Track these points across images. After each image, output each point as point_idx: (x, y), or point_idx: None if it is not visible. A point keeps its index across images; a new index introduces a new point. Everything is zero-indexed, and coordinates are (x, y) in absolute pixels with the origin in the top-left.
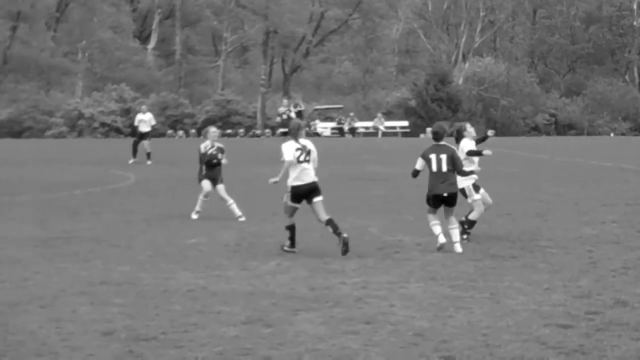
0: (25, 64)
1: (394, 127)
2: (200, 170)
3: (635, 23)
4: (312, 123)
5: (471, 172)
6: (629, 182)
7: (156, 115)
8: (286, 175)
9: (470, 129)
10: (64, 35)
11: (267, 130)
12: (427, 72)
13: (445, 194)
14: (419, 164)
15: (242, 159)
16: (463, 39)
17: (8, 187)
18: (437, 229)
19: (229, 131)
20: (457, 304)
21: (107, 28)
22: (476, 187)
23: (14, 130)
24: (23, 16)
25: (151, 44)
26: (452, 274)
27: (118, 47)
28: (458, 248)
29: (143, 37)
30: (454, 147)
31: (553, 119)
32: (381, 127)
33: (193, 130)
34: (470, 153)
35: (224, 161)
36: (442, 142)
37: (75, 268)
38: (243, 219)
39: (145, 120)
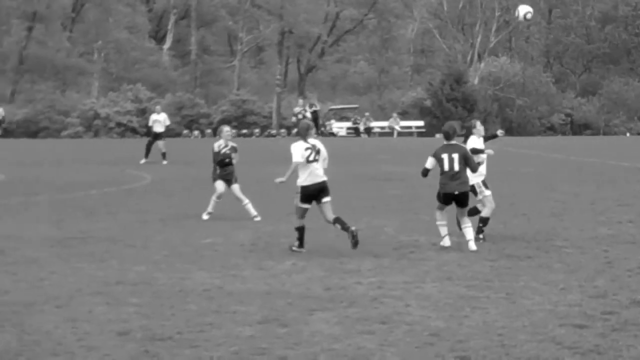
0: (41, 65)
1: (410, 127)
2: (214, 169)
3: None
4: (327, 123)
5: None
6: None
7: (172, 116)
8: (295, 176)
9: (479, 127)
10: (80, 36)
11: (283, 130)
12: (443, 72)
13: (456, 192)
14: (430, 162)
15: (257, 159)
16: (478, 39)
17: (24, 187)
18: (443, 230)
19: (244, 131)
20: (472, 304)
21: (123, 28)
22: (485, 185)
23: (30, 130)
24: (39, 17)
25: (167, 44)
26: (468, 274)
27: (134, 47)
28: (472, 246)
29: (159, 38)
30: (465, 147)
31: (569, 118)
32: (397, 127)
33: (209, 130)
34: (473, 151)
35: (234, 160)
36: (453, 142)
37: (91, 268)
38: (259, 218)
39: (159, 121)
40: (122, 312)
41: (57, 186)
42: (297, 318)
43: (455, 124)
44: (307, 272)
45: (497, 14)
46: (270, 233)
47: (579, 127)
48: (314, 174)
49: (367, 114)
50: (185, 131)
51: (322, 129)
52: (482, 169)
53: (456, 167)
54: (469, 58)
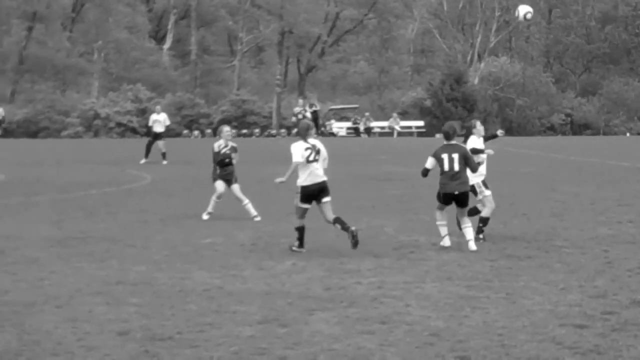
0: (41, 65)
1: (410, 127)
2: (214, 169)
3: None
4: (327, 123)
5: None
6: None
7: (172, 116)
8: (295, 176)
9: (479, 127)
10: (80, 36)
11: (283, 130)
12: (443, 72)
13: (456, 192)
14: (430, 162)
15: (257, 159)
16: (478, 39)
17: (24, 187)
18: (443, 230)
19: (244, 131)
20: (473, 304)
21: (123, 28)
22: (485, 185)
23: (30, 130)
24: (39, 17)
25: (167, 44)
26: (468, 274)
27: (134, 47)
28: (472, 246)
29: (159, 38)
30: (465, 147)
31: (569, 118)
32: (397, 127)
33: (209, 130)
34: (473, 151)
35: (234, 160)
36: (453, 142)
37: (91, 268)
38: (259, 218)
39: (159, 121)
40: (122, 312)
41: (57, 186)
42: (297, 318)
43: (455, 124)
44: (307, 272)
45: (497, 14)
46: (271, 233)
47: (579, 127)
48: (314, 174)
49: (367, 114)
50: (185, 131)
51: (322, 129)
52: (482, 169)
53: (456, 167)
54: (469, 58)
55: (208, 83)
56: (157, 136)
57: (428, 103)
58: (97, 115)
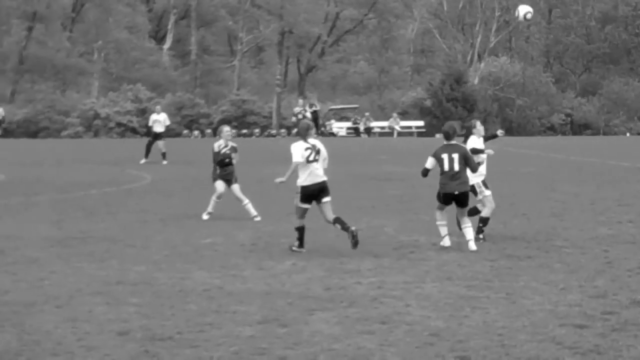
0: (41, 65)
1: (410, 127)
2: (214, 169)
3: None
4: (327, 123)
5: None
6: None
7: (172, 116)
8: (295, 176)
9: (479, 127)
10: (80, 36)
11: (283, 130)
12: (443, 72)
13: (456, 192)
14: (430, 162)
15: (257, 159)
16: (478, 39)
17: (24, 187)
18: (443, 230)
19: (244, 131)
20: (472, 304)
21: (123, 28)
22: (485, 185)
23: (30, 130)
24: (39, 17)
25: (167, 44)
26: (468, 274)
27: (134, 47)
28: (472, 246)
29: (159, 38)
30: (465, 147)
31: (569, 118)
32: (397, 127)
33: (209, 130)
34: (473, 151)
35: (234, 160)
36: (453, 142)
37: (91, 268)
38: (259, 218)
39: (159, 121)
40: (122, 312)
41: (57, 186)
42: (297, 318)
43: (455, 124)
44: (307, 272)
45: (497, 14)
46: (271, 233)
47: (579, 127)
48: (314, 174)
49: (367, 114)
50: (185, 131)
51: (322, 129)
52: (482, 169)
53: (456, 167)
54: (469, 58)
55: (208, 83)
56: (157, 136)
57: (428, 103)
58: (97, 115)
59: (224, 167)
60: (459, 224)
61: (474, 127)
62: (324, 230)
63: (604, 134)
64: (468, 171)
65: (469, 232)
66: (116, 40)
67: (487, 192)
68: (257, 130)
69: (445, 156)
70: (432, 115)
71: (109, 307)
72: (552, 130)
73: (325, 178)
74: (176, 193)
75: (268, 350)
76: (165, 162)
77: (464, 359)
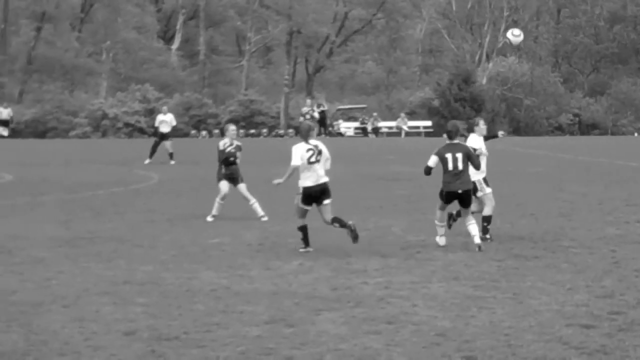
0: (49, 65)
1: (417, 127)
2: (220, 168)
3: None
4: (335, 123)
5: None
6: None
7: (180, 116)
8: (294, 176)
9: (482, 126)
10: (89, 36)
11: (291, 130)
12: (451, 72)
13: (460, 191)
14: (432, 161)
15: (265, 159)
16: (487, 39)
17: (32, 187)
18: (440, 230)
19: (252, 131)
20: (479, 304)
21: (132, 28)
22: (486, 182)
23: (38, 130)
24: (48, 17)
25: (175, 44)
26: (475, 274)
27: (142, 47)
28: (477, 239)
29: (167, 38)
30: (468, 145)
31: (577, 118)
32: (404, 127)
33: (216, 131)
34: None
35: (238, 160)
36: (456, 141)
37: (98, 268)
38: (266, 218)
39: (166, 121)
40: (129, 311)
41: (65, 186)
42: (304, 318)
43: (459, 123)
44: (314, 272)
45: (505, 13)
46: (278, 233)
47: (586, 127)
48: (316, 175)
49: (375, 114)
50: (193, 131)
51: (330, 129)
52: (483, 166)
53: (460, 166)
54: (477, 58)
55: (216, 83)
56: (164, 137)
57: (436, 103)
58: (105, 116)
59: (228, 165)
60: (450, 218)
61: (477, 124)
62: (331, 230)
63: (612, 134)
64: (471, 169)
65: (474, 228)
66: (124, 41)
67: (488, 190)
68: (264, 131)
69: (449, 155)
70: (440, 115)
71: (116, 307)
72: (560, 130)
73: (326, 179)
74: (184, 193)
75: (275, 350)
76: (172, 162)
77: (470, 359)
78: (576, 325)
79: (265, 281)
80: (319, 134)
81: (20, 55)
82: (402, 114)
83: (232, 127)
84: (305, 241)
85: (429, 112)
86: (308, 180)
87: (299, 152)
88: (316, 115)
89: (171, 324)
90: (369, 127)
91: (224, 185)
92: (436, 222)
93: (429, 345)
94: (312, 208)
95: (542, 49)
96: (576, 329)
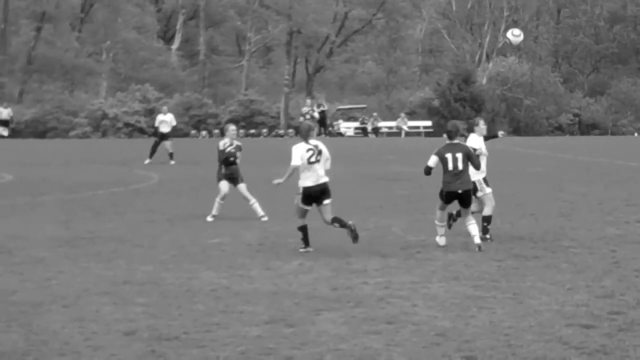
0: (49, 65)
1: (417, 127)
2: (219, 168)
3: None
4: (335, 123)
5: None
6: None
7: (180, 116)
8: (294, 176)
9: (482, 126)
10: (89, 36)
11: (291, 130)
12: (451, 72)
13: (460, 191)
14: (432, 161)
15: (265, 159)
16: (487, 39)
17: (32, 187)
18: (440, 230)
19: (252, 131)
20: (479, 304)
21: (132, 28)
22: (486, 182)
23: (38, 130)
24: (48, 17)
25: (175, 44)
26: (475, 274)
27: (142, 47)
28: (477, 239)
29: (167, 38)
30: (468, 145)
31: (577, 118)
32: (404, 127)
33: (216, 131)
34: None
35: (238, 160)
36: (456, 141)
37: (98, 268)
38: (266, 218)
39: (166, 121)
40: (129, 311)
41: (65, 186)
42: (304, 318)
43: (459, 123)
44: (314, 272)
45: (505, 13)
46: (278, 233)
47: (586, 127)
48: (316, 175)
49: (375, 114)
50: (193, 131)
51: (330, 129)
52: (483, 166)
53: (460, 167)
54: (477, 58)
55: (216, 83)
56: (163, 137)
57: (436, 103)
58: (105, 116)
59: (228, 165)
60: (450, 218)
61: (477, 124)
62: (331, 230)
63: (612, 134)
64: (471, 169)
65: (474, 228)
66: (124, 41)
67: (488, 190)
68: (264, 131)
69: (449, 156)
70: (440, 115)
71: (116, 307)
72: (560, 130)
73: (326, 179)
74: (184, 193)
75: (275, 350)
76: (172, 163)
77: (470, 359)
78: (576, 325)
79: (265, 281)
80: (319, 134)
81: (20, 55)
82: (402, 114)
83: (232, 127)
84: (305, 241)
85: (429, 112)
86: (308, 180)
87: (299, 152)
88: (316, 115)
89: (171, 324)
90: (369, 127)
91: (224, 185)
92: (436, 222)
93: (429, 345)
94: (312, 208)
95: (542, 49)
96: (576, 329)
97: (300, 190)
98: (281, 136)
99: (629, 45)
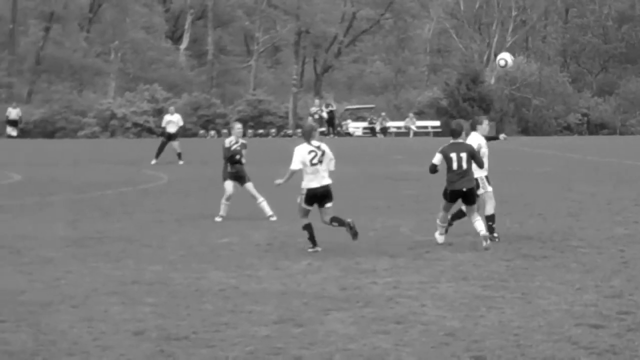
0: (58, 65)
1: (426, 127)
2: (225, 167)
3: None
4: (343, 123)
5: None
6: None
7: (188, 116)
8: (297, 176)
9: (485, 126)
10: (97, 36)
11: (299, 130)
12: (459, 72)
13: (464, 189)
14: (437, 159)
15: (273, 159)
16: (495, 39)
17: (40, 187)
18: (440, 230)
19: (260, 131)
20: (488, 303)
21: (140, 28)
22: (488, 181)
23: (47, 130)
24: (56, 17)
25: (183, 44)
26: (484, 273)
27: (150, 47)
28: (484, 232)
29: (175, 38)
30: (471, 145)
31: (585, 118)
32: (413, 127)
33: (225, 130)
34: None
35: (243, 160)
36: (460, 140)
37: (107, 268)
38: (274, 218)
39: (173, 121)
40: (137, 311)
41: (74, 186)
42: (313, 318)
43: (463, 122)
44: (322, 272)
45: (513, 13)
46: (286, 233)
47: (595, 127)
48: (320, 177)
49: (383, 113)
50: (202, 131)
51: (339, 129)
52: (485, 164)
53: (464, 166)
54: (485, 58)
55: (224, 83)
56: (171, 137)
57: (444, 103)
58: (113, 116)
59: (234, 164)
60: (452, 218)
61: (480, 123)
62: (339, 230)
63: (621, 133)
64: (474, 166)
65: (479, 224)
66: (133, 41)
67: (489, 188)
68: (273, 131)
69: (453, 155)
70: (449, 115)
71: (125, 306)
72: (568, 130)
73: (330, 181)
74: (192, 193)
75: (283, 350)
76: (181, 163)
77: (479, 359)
78: (585, 325)
79: (274, 281)
80: (327, 134)
81: (28, 55)
82: (411, 114)
83: (237, 126)
84: (312, 240)
85: (438, 112)
86: (313, 182)
87: (301, 154)
88: (325, 115)
89: (180, 323)
90: (377, 127)
91: (229, 186)
92: (438, 221)
93: (437, 345)
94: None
95: (550, 48)
96: (585, 328)
97: (304, 191)
98: (290, 136)
99: (638, 44)
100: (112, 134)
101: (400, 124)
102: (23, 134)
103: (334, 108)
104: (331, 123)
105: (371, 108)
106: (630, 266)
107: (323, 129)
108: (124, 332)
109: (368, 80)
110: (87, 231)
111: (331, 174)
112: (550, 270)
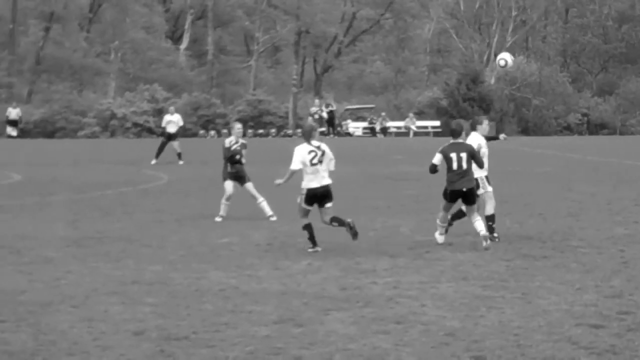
0: (58, 65)
1: (426, 127)
2: (225, 166)
3: None
4: (343, 123)
5: None
6: None
7: (188, 116)
8: (297, 176)
9: (485, 126)
10: (97, 36)
11: (299, 130)
12: (459, 72)
13: (464, 189)
14: (437, 159)
15: (273, 159)
16: (495, 39)
17: (40, 187)
18: (440, 229)
19: (260, 131)
20: (488, 303)
21: (140, 28)
22: (488, 181)
23: (47, 130)
24: (56, 17)
25: (183, 44)
26: (484, 273)
27: (150, 47)
28: (484, 232)
29: (175, 38)
30: (471, 145)
31: (585, 118)
32: (413, 127)
33: (225, 130)
34: None
35: (243, 160)
36: (460, 140)
37: (107, 268)
38: (274, 218)
39: (173, 121)
40: (137, 311)
41: (74, 186)
42: (313, 318)
43: (463, 122)
44: (322, 272)
45: (513, 13)
46: (286, 233)
47: (595, 127)
48: (320, 177)
49: (383, 113)
50: (202, 131)
51: (339, 128)
52: (485, 164)
53: (464, 166)
54: (485, 58)
55: (224, 83)
56: (171, 137)
57: (444, 103)
58: (113, 116)
59: (234, 164)
60: (452, 218)
61: (480, 123)
62: (339, 230)
63: (621, 133)
64: (474, 166)
65: (479, 224)
66: (133, 41)
67: (489, 189)
68: (273, 131)
69: (454, 155)
70: (449, 115)
71: (125, 306)
72: (568, 130)
73: (330, 182)
74: (192, 193)
75: (283, 350)
76: (181, 163)
77: (479, 359)
78: (585, 325)
79: (274, 281)
80: (327, 134)
81: (28, 55)
82: (411, 114)
83: (237, 125)
84: (312, 240)
85: (438, 112)
86: (313, 182)
87: (300, 154)
88: (325, 115)
89: (180, 323)
90: (377, 127)
91: (229, 186)
92: (438, 221)
93: (437, 345)
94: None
95: (550, 48)
96: (585, 328)
97: (304, 191)
98: (290, 136)
99: (637, 44)
100: (112, 134)
101: (400, 124)
102: (23, 134)
103: (334, 108)
104: (331, 123)
105: (371, 108)
106: (630, 266)
107: (323, 129)
108: (124, 332)
109: (368, 80)
110: (87, 231)
111: (331, 174)
112: (550, 270)
